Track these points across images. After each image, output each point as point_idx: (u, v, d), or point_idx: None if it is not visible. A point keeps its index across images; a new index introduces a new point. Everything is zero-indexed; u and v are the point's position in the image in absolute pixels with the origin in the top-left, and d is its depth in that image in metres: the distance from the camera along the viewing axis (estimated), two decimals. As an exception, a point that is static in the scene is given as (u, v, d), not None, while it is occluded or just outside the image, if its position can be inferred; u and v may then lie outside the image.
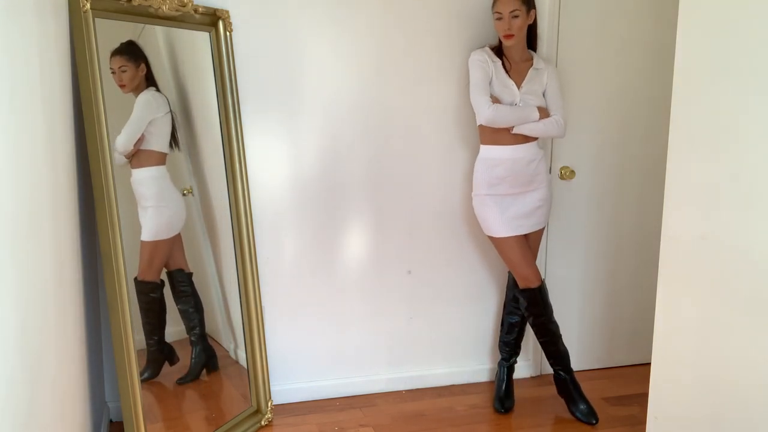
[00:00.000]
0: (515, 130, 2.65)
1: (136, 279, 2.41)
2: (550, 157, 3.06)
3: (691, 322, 1.92)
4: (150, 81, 2.46)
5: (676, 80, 1.94)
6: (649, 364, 2.11)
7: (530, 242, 2.80)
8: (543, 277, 3.15)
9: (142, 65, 2.43)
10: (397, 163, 2.91)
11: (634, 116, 3.17)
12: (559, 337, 2.79)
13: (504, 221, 2.70)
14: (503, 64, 2.70)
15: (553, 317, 2.78)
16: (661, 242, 2.01)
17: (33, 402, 1.31)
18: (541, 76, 2.69)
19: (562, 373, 2.81)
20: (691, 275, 1.91)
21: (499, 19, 2.60)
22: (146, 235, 2.48)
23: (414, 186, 2.95)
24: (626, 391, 3.10)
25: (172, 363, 2.58)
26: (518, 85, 2.68)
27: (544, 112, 2.67)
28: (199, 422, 2.54)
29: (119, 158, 2.37)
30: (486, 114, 2.62)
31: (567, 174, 3.09)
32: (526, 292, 2.73)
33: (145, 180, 2.48)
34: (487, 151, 2.73)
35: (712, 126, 1.82)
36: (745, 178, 1.73)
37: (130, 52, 2.39)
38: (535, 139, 2.71)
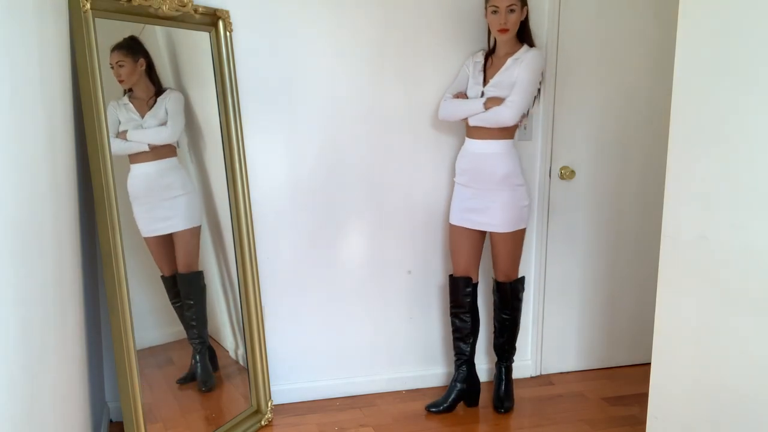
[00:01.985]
0: (471, 123, 2.68)
1: (183, 274, 2.52)
2: (550, 157, 3.07)
3: (691, 322, 1.92)
4: (153, 77, 2.46)
5: (676, 80, 1.94)
6: (649, 364, 2.11)
7: (492, 246, 2.82)
8: (543, 278, 3.17)
9: (141, 60, 2.43)
10: (397, 163, 2.91)
11: (634, 116, 3.17)
12: (458, 340, 2.87)
13: (456, 210, 2.80)
14: (485, 61, 2.72)
15: (457, 321, 2.86)
16: (661, 242, 2.01)
17: (33, 402, 1.31)
18: (517, 66, 2.64)
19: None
20: (691, 275, 1.91)
21: (495, 12, 2.59)
22: (189, 222, 2.58)
23: (414, 186, 2.95)
24: (626, 391, 3.10)
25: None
26: (491, 78, 2.68)
27: (496, 101, 2.62)
28: (199, 422, 2.54)
29: (140, 146, 2.41)
30: (438, 110, 2.80)
31: (567, 174, 3.09)
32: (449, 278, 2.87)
33: (172, 170, 2.53)
34: (464, 142, 2.80)
35: (712, 126, 1.82)
36: (745, 177, 1.73)
37: (129, 47, 2.39)
38: (505, 136, 2.66)
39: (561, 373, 3.30)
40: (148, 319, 2.50)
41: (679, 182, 1.95)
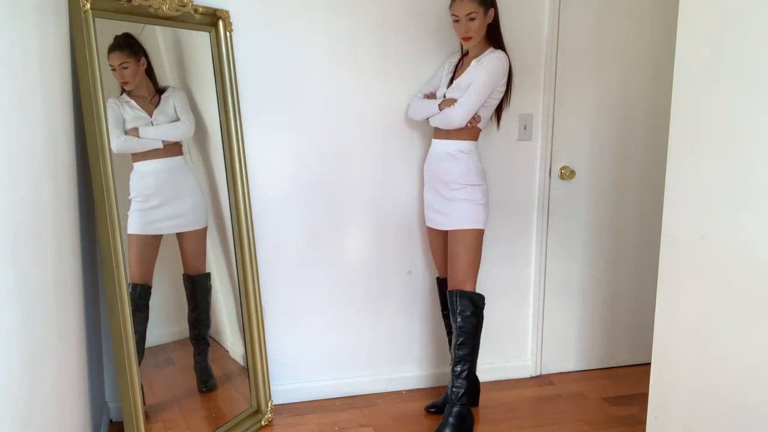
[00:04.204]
0: (430, 123, 2.70)
1: (191, 276, 2.54)
2: (550, 157, 3.07)
3: (691, 322, 1.92)
4: (152, 76, 2.45)
5: (676, 80, 1.94)
6: (649, 364, 2.11)
7: (448, 248, 2.70)
8: (543, 278, 3.17)
9: (143, 59, 2.42)
10: (396, 163, 2.91)
11: (634, 116, 3.17)
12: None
13: (426, 210, 2.81)
14: (458, 63, 2.71)
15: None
16: (661, 242, 2.01)
17: (33, 402, 1.31)
18: (477, 68, 2.62)
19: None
20: (691, 275, 1.91)
21: (456, 21, 2.56)
22: (197, 223, 2.59)
23: (414, 186, 2.95)
24: (626, 391, 3.10)
25: None
26: (455, 80, 2.67)
27: (449, 103, 2.62)
28: (199, 422, 2.54)
29: (154, 144, 2.43)
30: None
31: (567, 174, 3.09)
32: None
33: (181, 168, 2.54)
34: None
35: (712, 126, 1.82)
36: (745, 177, 1.73)
37: (130, 46, 2.37)
38: (465, 137, 2.64)
39: (561, 373, 3.30)
40: (149, 319, 2.50)
41: (678, 182, 1.95)
